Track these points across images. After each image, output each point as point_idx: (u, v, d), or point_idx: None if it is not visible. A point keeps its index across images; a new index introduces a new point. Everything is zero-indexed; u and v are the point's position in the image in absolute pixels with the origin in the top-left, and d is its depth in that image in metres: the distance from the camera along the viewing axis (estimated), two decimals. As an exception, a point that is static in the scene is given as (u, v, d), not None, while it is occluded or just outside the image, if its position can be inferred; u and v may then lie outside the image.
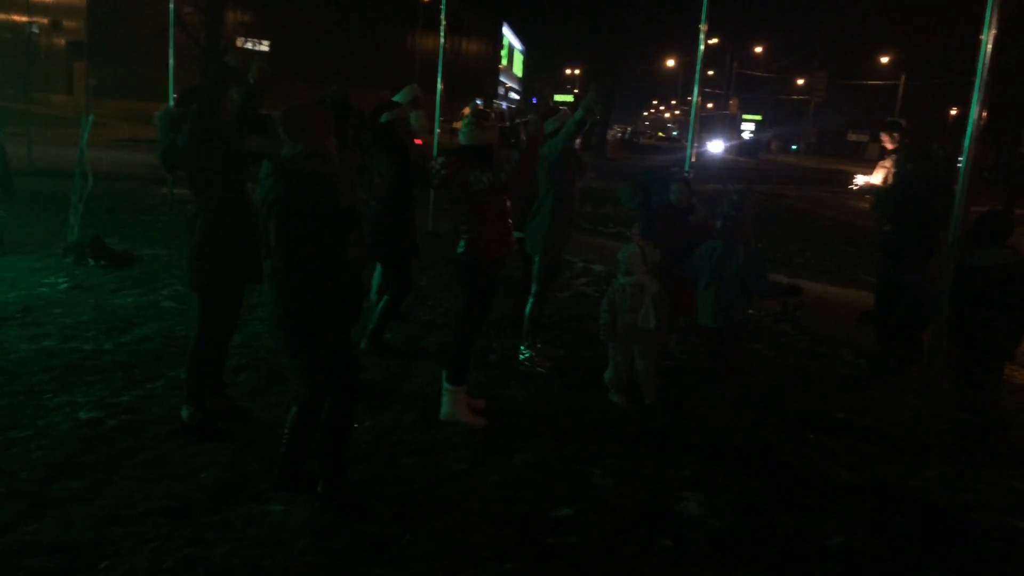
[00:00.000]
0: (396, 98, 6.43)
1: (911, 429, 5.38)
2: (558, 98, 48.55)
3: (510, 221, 5.14)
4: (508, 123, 10.30)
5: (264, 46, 44.54)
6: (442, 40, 11.85)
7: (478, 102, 53.60)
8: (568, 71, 68.36)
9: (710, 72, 68.69)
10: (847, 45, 51.72)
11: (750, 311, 8.31)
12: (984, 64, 4.84)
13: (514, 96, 73.80)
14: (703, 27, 8.79)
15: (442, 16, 11.86)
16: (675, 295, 6.25)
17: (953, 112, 56.18)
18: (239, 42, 36.17)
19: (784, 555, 3.78)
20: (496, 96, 60.16)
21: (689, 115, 9.24)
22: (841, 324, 8.47)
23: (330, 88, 6.37)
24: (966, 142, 4.88)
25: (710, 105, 74.43)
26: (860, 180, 9.42)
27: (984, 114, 4.89)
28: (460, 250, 4.98)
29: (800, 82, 58.77)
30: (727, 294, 5.26)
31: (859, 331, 8.00)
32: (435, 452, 4.58)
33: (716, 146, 53.93)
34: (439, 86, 11.96)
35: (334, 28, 43.39)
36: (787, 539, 3.92)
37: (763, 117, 57.55)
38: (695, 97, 8.95)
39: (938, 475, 4.77)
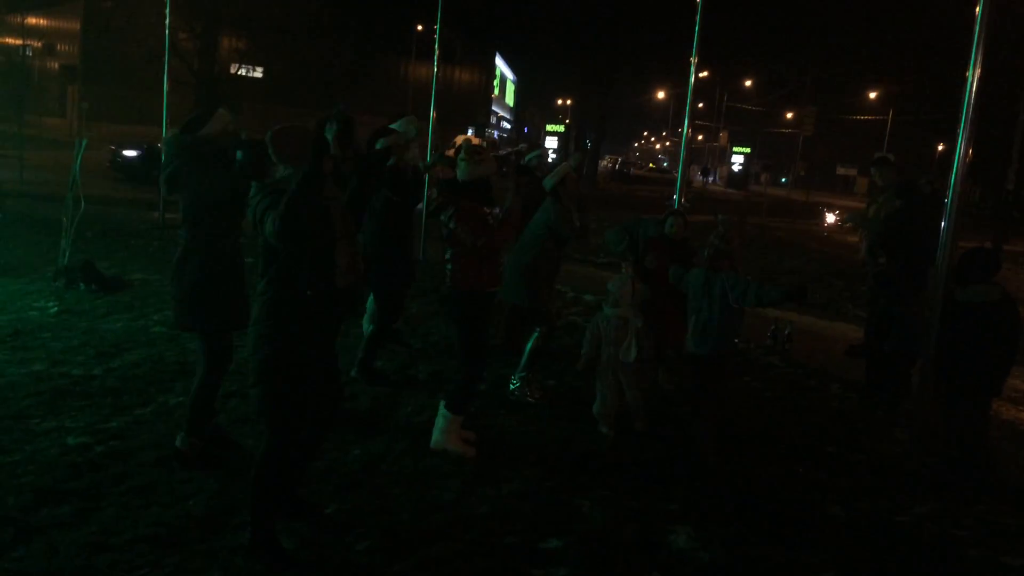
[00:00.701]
0: (394, 127, 6.48)
1: (900, 463, 5.42)
2: (550, 128, 48.91)
3: (499, 260, 5.13)
4: (500, 152, 10.35)
5: (258, 73, 44.83)
6: (435, 70, 11.95)
7: (470, 132, 53.97)
8: (560, 101, 68.97)
9: (700, 104, 69.47)
10: (836, 80, 52.41)
11: (736, 341, 8.40)
12: (969, 102, 4.94)
13: (505, 125, 74.31)
14: (694, 60, 8.91)
15: (436, 46, 11.97)
16: (662, 327, 6.29)
17: (940, 147, 56.94)
18: (233, 68, 36.33)
19: (773, 589, 3.78)
20: (488, 125, 60.52)
21: (680, 146, 9.34)
22: (831, 357, 8.53)
23: (334, 106, 6.44)
24: (952, 179, 4.96)
25: (700, 137, 75.11)
26: (830, 218, 9.57)
27: (970, 151, 4.98)
28: (448, 283, 5.03)
29: (789, 115, 59.46)
30: (711, 321, 5.29)
31: (849, 364, 8.06)
32: (424, 481, 4.57)
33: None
34: (432, 115, 12.05)
35: (328, 56, 43.61)
36: (776, 572, 3.92)
37: (752, 149, 58.11)
38: (685, 129, 9.06)
39: (927, 510, 4.79)
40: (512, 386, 6.21)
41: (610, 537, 4.12)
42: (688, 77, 8.95)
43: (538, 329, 6.21)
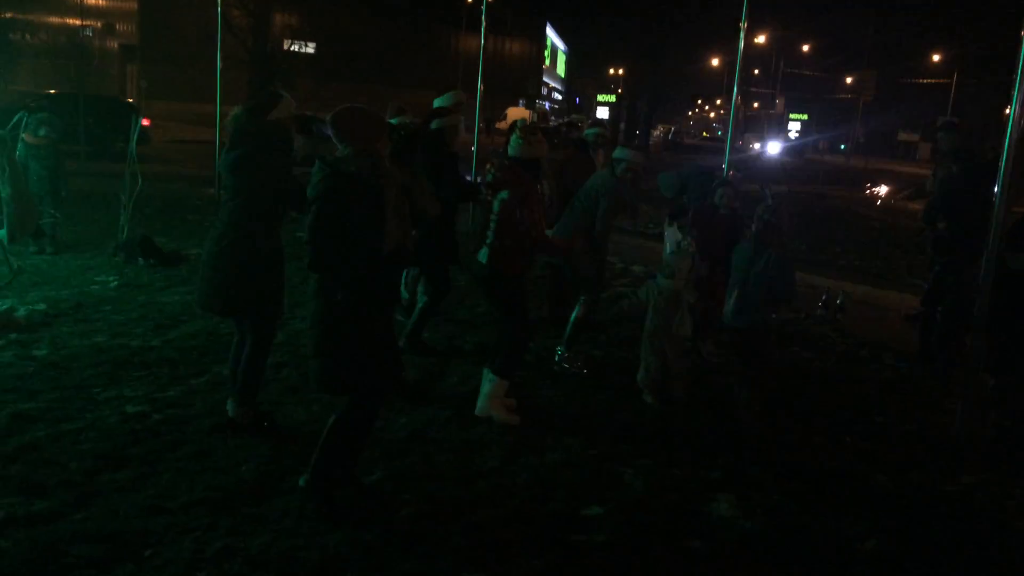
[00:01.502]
0: (438, 101, 6.55)
1: (951, 434, 5.33)
2: (601, 98, 48.41)
3: (535, 237, 5.09)
4: (551, 123, 10.37)
5: (310, 48, 45.21)
6: (483, 41, 11.94)
7: (521, 103, 53.72)
8: (611, 71, 68.10)
9: (755, 71, 67.91)
10: (897, 43, 50.81)
11: (793, 314, 8.32)
12: (1022, 63, 4.78)
13: (557, 96, 73.76)
14: (743, 25, 8.75)
15: (483, 17, 11.94)
16: (709, 300, 6.26)
17: (1007, 111, 54.73)
18: (285, 44, 36.67)
19: (815, 558, 3.78)
20: (539, 96, 60.20)
21: (739, 113, 9.24)
22: (884, 327, 8.38)
23: (395, 108, 6.55)
24: (1006, 142, 4.82)
25: (756, 105, 73.56)
26: (883, 191, 9.34)
27: (1026, 114, 4.83)
28: (482, 260, 5.06)
29: (848, 80, 57.85)
30: (751, 296, 5.25)
31: (902, 334, 7.92)
32: (468, 450, 4.65)
33: (774, 147, 50.98)
34: (479, 87, 12.06)
35: (378, 30, 43.83)
36: (819, 542, 3.92)
37: (810, 116, 56.74)
38: (735, 96, 8.92)
39: (976, 481, 4.72)
40: (557, 357, 6.25)
41: (651, 505, 4.16)
42: (742, 42, 8.80)
43: (583, 298, 6.22)
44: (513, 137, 5.13)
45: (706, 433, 5.16)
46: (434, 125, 6.38)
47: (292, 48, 40.27)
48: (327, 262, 3.63)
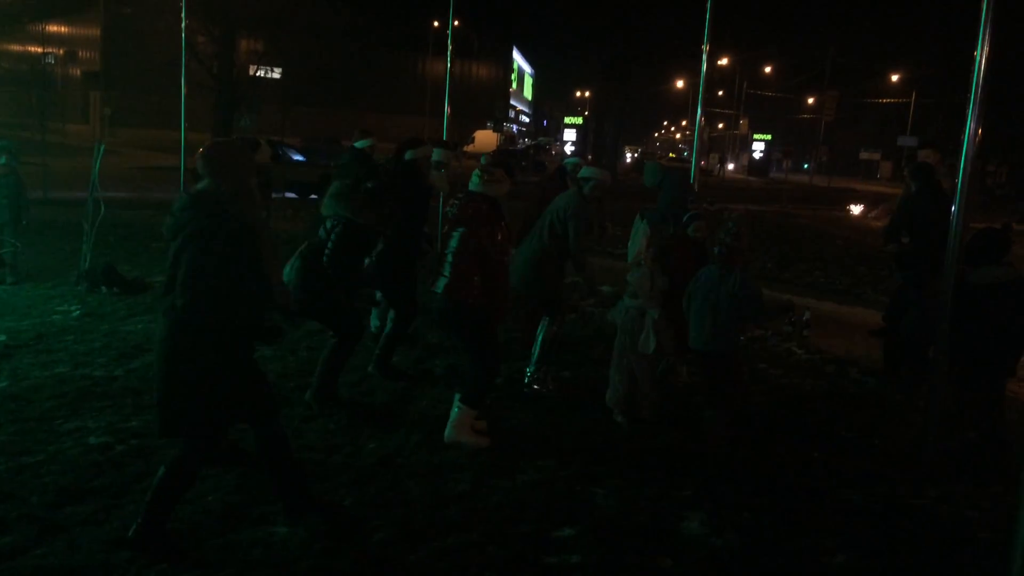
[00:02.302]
0: (409, 154, 6.60)
1: (917, 447, 5.39)
2: (568, 120, 48.80)
3: (500, 277, 5.08)
4: (519, 146, 10.47)
5: (276, 74, 45.12)
6: (448, 65, 12.00)
7: (489, 126, 53.96)
8: (578, 93, 68.79)
9: (720, 92, 68.90)
10: (858, 64, 51.84)
11: (759, 331, 8.40)
12: (978, 82, 4.89)
13: (524, 119, 74.27)
14: (705, 47, 8.89)
15: (448, 42, 12.01)
16: (684, 323, 6.30)
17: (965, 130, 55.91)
18: (251, 70, 36.54)
19: (785, 573, 3.79)
20: (506, 119, 60.54)
21: (703, 134, 9.36)
22: (850, 343, 8.48)
23: (360, 132, 6.66)
24: (962, 160, 4.93)
25: (721, 125, 74.55)
26: (856, 210, 9.52)
27: (980, 132, 4.94)
28: (438, 290, 4.99)
29: (811, 101, 58.86)
30: (719, 319, 5.29)
31: (868, 349, 8.02)
32: (439, 473, 4.62)
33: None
34: (447, 111, 12.10)
35: (345, 55, 43.83)
36: (789, 557, 3.93)
37: (773, 136, 57.61)
38: (699, 117, 9.04)
39: (942, 493, 4.77)
40: (526, 378, 6.25)
41: (622, 524, 4.15)
42: (705, 64, 8.93)
43: (546, 319, 6.24)
44: (474, 175, 5.16)
45: (676, 452, 5.17)
46: (408, 156, 6.48)
47: (258, 73, 40.18)
48: (201, 305, 3.43)
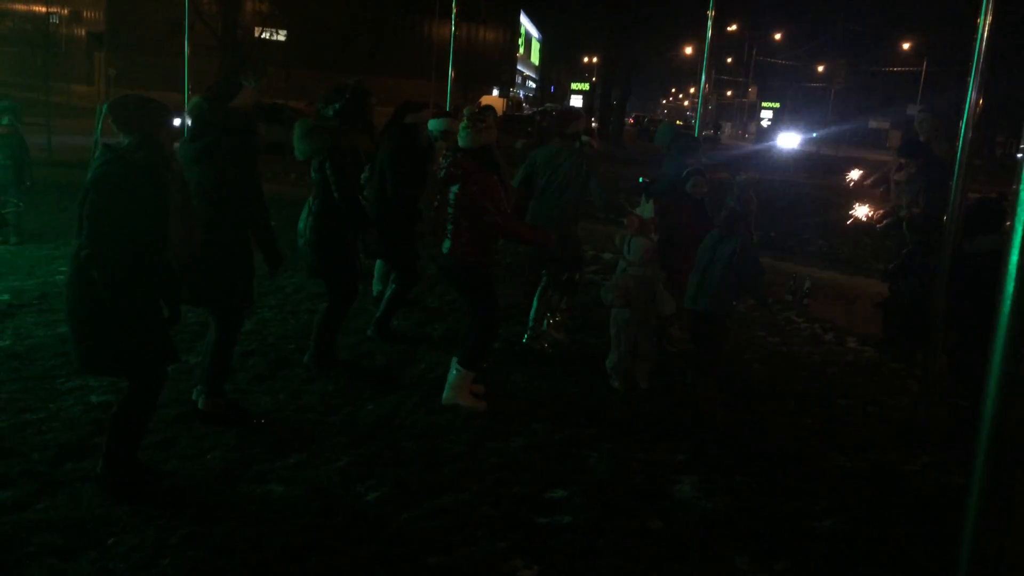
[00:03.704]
0: (433, 125, 6.58)
1: (911, 415, 5.44)
2: (575, 86, 48.44)
3: (503, 225, 5.09)
4: (525, 112, 10.42)
5: (281, 36, 44.76)
6: (452, 28, 11.91)
7: (495, 92, 53.54)
8: (585, 59, 68.12)
9: (728, 60, 68.20)
10: (868, 31, 51.29)
11: (770, 301, 8.43)
12: (980, 51, 4.86)
13: (531, 84, 73.68)
14: (711, 13, 8.81)
15: (453, 5, 11.91)
16: (680, 284, 6.33)
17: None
18: (256, 32, 36.32)
19: (773, 536, 3.85)
20: (513, 85, 60.05)
21: (709, 102, 9.32)
22: (850, 311, 8.51)
23: (351, 79, 6.60)
24: (961, 129, 4.91)
25: (729, 93, 73.88)
26: (860, 213, 9.47)
27: (981, 101, 4.92)
28: (444, 251, 5.07)
29: (820, 69, 58.29)
30: (714, 280, 5.32)
31: (867, 318, 8.04)
32: (435, 435, 4.68)
33: (790, 140, 44.55)
34: (450, 74, 12.04)
35: (350, 17, 43.44)
36: (777, 520, 3.99)
37: (781, 105, 57.13)
38: (702, 84, 8.99)
39: (933, 460, 4.83)
40: (524, 339, 6.31)
41: (615, 487, 4.21)
42: (714, 30, 8.86)
43: (545, 274, 6.33)
44: (461, 126, 5.11)
45: (671, 417, 5.22)
46: (409, 120, 6.38)
47: (263, 35, 39.86)
48: (98, 247, 3.52)
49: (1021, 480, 1.24)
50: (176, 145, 3.97)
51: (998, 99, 48.50)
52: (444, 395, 5.13)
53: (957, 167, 4.96)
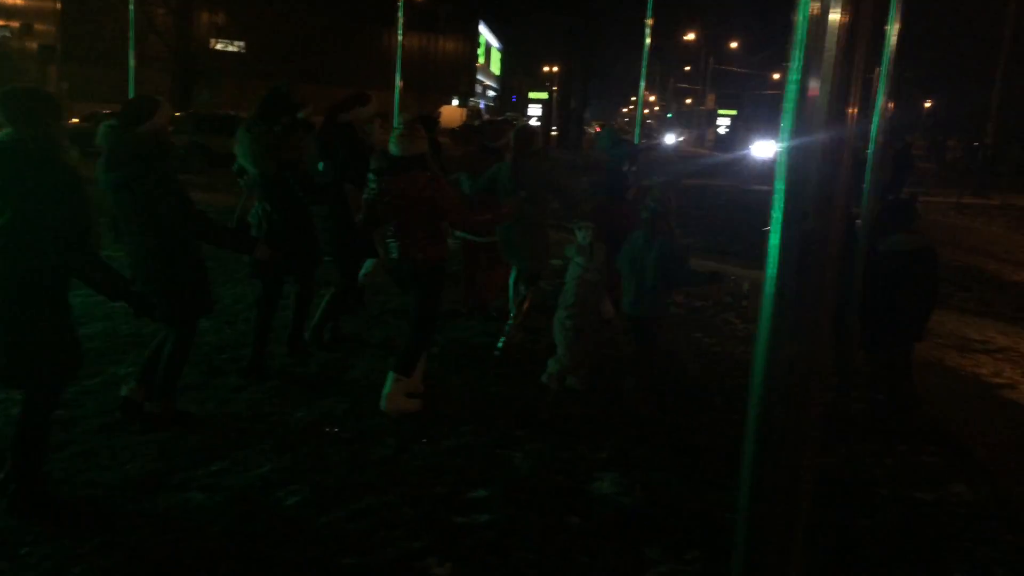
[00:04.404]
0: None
1: (835, 409, 5.58)
2: (533, 95, 48.72)
3: (440, 228, 5.34)
4: (484, 121, 10.50)
5: (238, 47, 44.43)
6: (400, 39, 11.97)
7: (454, 102, 53.63)
8: (546, 68, 68.50)
9: (687, 68, 68.99)
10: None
11: (700, 302, 8.57)
12: (889, 56, 5.04)
13: (491, 93, 73.93)
14: (649, 21, 8.99)
15: (400, 13, 11.97)
16: (616, 286, 6.44)
17: (928, 104, 56.85)
18: (212, 43, 36.05)
19: (685, 528, 3.95)
20: (472, 94, 60.19)
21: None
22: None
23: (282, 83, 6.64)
24: (872, 132, 5.08)
25: (688, 101, 74.72)
26: None
27: (891, 105, 5.10)
28: (394, 255, 5.23)
29: (776, 77, 59.16)
30: (645, 284, 5.43)
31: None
32: (363, 440, 4.72)
33: (765, 148, 43.18)
34: (398, 84, 12.09)
35: (309, 28, 43.31)
36: (692, 513, 4.09)
37: (739, 112, 57.89)
38: (640, 93, 9.14)
39: (851, 452, 4.96)
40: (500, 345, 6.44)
41: (536, 486, 4.28)
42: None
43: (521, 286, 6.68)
44: (394, 135, 5.20)
45: (599, 418, 5.31)
46: (343, 118, 6.39)
47: (220, 47, 39.55)
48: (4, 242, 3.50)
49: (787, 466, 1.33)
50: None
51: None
52: (382, 404, 5.16)
53: (869, 169, 5.12)
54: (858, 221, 5.25)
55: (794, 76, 1.19)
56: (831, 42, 1.16)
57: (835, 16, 1.18)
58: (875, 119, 5.09)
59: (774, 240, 1.24)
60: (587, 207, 7.38)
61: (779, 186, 1.22)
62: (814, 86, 1.18)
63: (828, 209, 1.21)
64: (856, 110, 1.20)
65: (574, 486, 4.31)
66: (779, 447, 1.28)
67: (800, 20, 1.21)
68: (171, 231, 4.50)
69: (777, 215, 1.23)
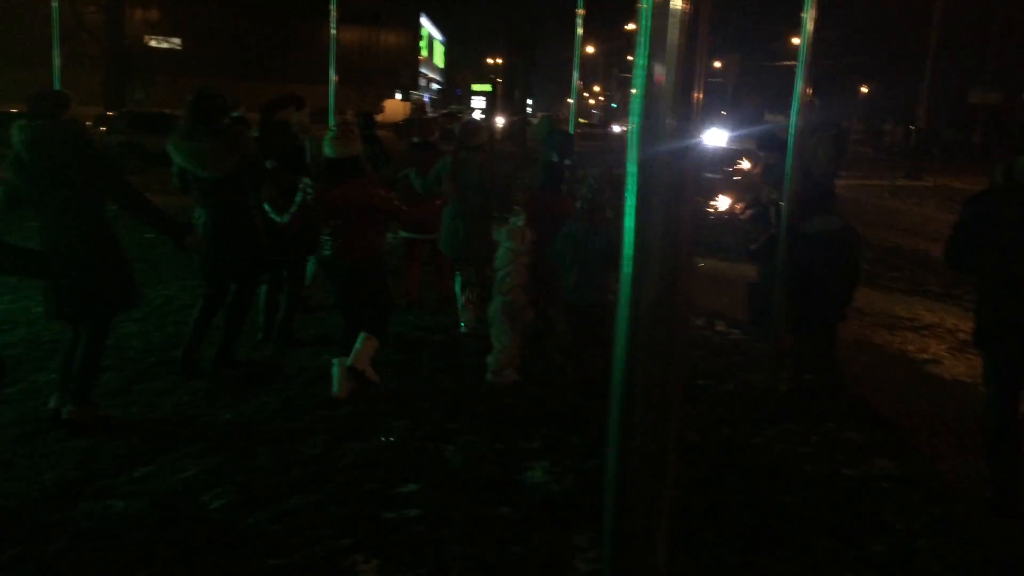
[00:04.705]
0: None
1: (767, 391, 5.67)
2: (476, 87, 48.57)
3: (376, 227, 5.45)
4: (427, 115, 10.44)
5: (174, 43, 43.51)
6: (333, 32, 11.80)
7: (397, 96, 53.14)
8: (490, 60, 68.35)
9: (629, 58, 69.42)
10: (759, 27, 52.99)
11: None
12: (807, 44, 5.12)
13: (435, 87, 73.54)
14: (580, 11, 9.00)
15: (332, 6, 11.78)
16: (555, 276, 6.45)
17: (864, 89, 58.03)
18: (146, 40, 35.26)
19: (615, 514, 3.97)
20: (416, 88, 59.80)
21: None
22: (725, 297, 8.77)
23: (233, 101, 6.58)
24: (792, 117, 5.15)
25: (634, 91, 75.07)
26: (721, 205, 9.78)
27: (809, 91, 5.18)
28: (327, 252, 5.35)
29: (717, 64, 59.82)
30: (588, 273, 5.44)
31: (741, 303, 8.31)
32: (291, 440, 4.65)
33: (718, 137, 40.39)
34: (332, 78, 11.92)
35: (246, 23, 42.64)
36: (622, 500, 4.11)
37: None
38: (574, 83, 9.16)
39: (779, 432, 5.05)
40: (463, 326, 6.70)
41: (467, 478, 4.27)
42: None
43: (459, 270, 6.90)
44: (326, 139, 5.23)
45: (533, 408, 5.31)
46: (275, 117, 6.39)
47: (156, 44, 38.69)
48: None
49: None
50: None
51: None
52: (349, 360, 5.27)
53: (790, 154, 5.19)
54: (781, 203, 5.33)
55: (640, 61, 1.20)
56: (674, 28, 1.18)
57: (676, 4, 1.19)
58: (794, 104, 5.17)
59: (628, 223, 1.24)
60: (522, 197, 7.40)
61: (631, 169, 1.22)
62: (660, 72, 1.18)
63: (679, 194, 1.22)
64: (701, 95, 1.21)
65: (506, 476, 4.30)
66: (643, 407, 1.28)
67: (644, 6, 1.21)
68: (98, 212, 4.57)
69: (631, 200, 1.23)
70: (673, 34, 1.18)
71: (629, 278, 1.25)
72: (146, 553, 3.48)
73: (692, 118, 1.21)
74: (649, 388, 1.27)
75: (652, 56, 1.19)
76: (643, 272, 1.24)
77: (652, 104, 1.20)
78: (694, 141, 1.24)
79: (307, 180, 5.62)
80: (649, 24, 1.19)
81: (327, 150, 5.27)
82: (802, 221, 5.22)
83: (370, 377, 5.32)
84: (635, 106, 1.22)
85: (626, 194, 1.25)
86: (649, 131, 1.21)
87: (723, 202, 9.93)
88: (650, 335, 1.27)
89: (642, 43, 1.19)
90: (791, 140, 5.18)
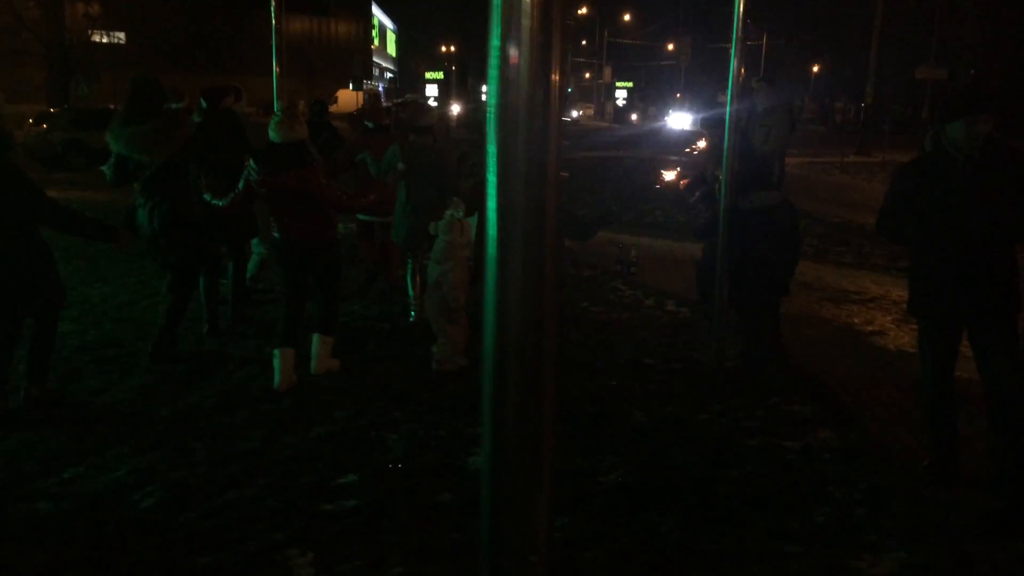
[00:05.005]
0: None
1: (712, 368, 5.68)
2: (429, 75, 48.21)
3: (319, 213, 5.40)
4: (382, 104, 10.36)
5: (119, 38, 42.47)
6: (273, 23, 11.56)
7: (350, 86, 52.56)
8: (443, 48, 67.93)
9: (583, 42, 69.45)
10: (712, 8, 53.31)
11: (590, 271, 8.64)
12: (738, 24, 5.11)
13: (389, 76, 72.94)
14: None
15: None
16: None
17: (816, 68, 58.71)
18: (90, 35, 34.29)
19: (559, 493, 3.93)
20: (370, 78, 59.21)
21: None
22: (674, 277, 8.79)
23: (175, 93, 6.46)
24: (728, 97, 5.14)
25: (588, 75, 75.23)
26: (668, 177, 9.84)
27: (743, 70, 5.18)
28: (277, 235, 5.38)
29: (670, 47, 60.12)
30: None
31: (690, 281, 8.34)
32: (229, 434, 4.55)
33: (682, 120, 40.08)
34: (275, 70, 11.69)
35: (192, 15, 41.80)
36: (565, 478, 4.08)
37: (634, 83, 58.64)
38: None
39: (724, 408, 5.05)
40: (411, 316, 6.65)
41: (409, 466, 4.21)
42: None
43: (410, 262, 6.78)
44: (271, 124, 5.16)
45: (479, 394, 5.25)
46: (223, 105, 6.44)
47: (99, 39, 37.67)
48: None
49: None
50: None
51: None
52: (312, 367, 5.36)
53: (728, 131, 5.19)
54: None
55: (495, 42, 1.15)
56: (526, 8, 1.13)
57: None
58: (730, 84, 5.16)
59: (491, 204, 1.20)
60: (464, 186, 7.30)
61: (491, 149, 1.18)
62: (514, 53, 1.14)
63: (541, 173, 1.18)
64: (559, 75, 1.17)
65: (448, 463, 4.25)
66: (516, 369, 1.24)
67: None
68: (22, 222, 4.62)
69: (492, 179, 1.18)
70: (526, 14, 1.13)
71: (494, 260, 1.21)
72: (72, 556, 3.37)
73: (550, 100, 1.17)
74: (522, 350, 1.22)
75: (505, 38, 1.15)
76: (508, 254, 1.21)
77: (506, 86, 1.16)
78: (567, 120, 1.20)
79: (253, 164, 5.48)
80: (500, 3, 1.15)
81: (271, 135, 5.21)
82: (741, 197, 5.22)
83: (334, 368, 5.49)
84: (491, 88, 1.17)
85: (487, 176, 1.21)
86: (505, 112, 1.17)
87: (668, 176, 9.98)
88: (519, 311, 1.23)
89: (494, 23, 1.15)
90: (727, 120, 5.17)
